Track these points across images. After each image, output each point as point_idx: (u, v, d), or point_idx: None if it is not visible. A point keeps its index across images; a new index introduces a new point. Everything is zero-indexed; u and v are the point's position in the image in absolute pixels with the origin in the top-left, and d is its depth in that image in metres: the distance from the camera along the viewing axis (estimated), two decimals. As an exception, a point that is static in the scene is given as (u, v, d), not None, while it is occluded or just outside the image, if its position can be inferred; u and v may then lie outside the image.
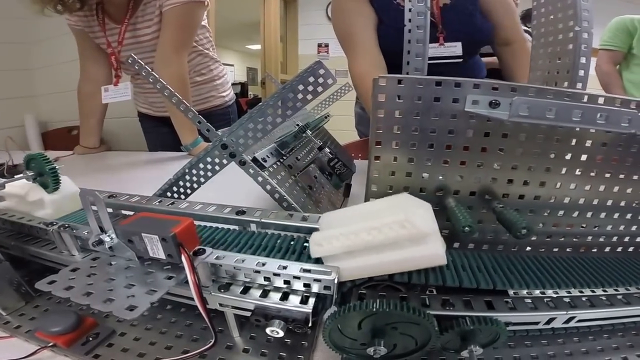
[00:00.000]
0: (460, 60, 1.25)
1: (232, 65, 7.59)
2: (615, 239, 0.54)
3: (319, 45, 4.68)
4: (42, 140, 2.44)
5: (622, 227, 0.54)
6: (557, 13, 0.55)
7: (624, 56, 2.26)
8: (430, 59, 1.16)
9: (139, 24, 1.39)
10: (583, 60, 0.49)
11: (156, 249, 0.39)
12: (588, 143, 0.46)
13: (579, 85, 0.50)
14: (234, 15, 5.53)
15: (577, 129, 0.44)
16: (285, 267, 0.39)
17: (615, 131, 0.34)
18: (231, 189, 0.85)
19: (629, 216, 0.52)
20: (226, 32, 6.14)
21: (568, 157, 0.46)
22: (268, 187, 0.60)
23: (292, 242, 0.49)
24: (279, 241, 0.49)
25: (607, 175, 0.49)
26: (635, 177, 0.49)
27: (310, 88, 0.54)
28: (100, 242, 0.41)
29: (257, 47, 5.68)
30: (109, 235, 0.41)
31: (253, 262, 0.39)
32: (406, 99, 0.43)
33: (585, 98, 0.41)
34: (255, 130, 0.58)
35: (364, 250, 0.38)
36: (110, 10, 1.40)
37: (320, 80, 0.54)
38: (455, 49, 1.23)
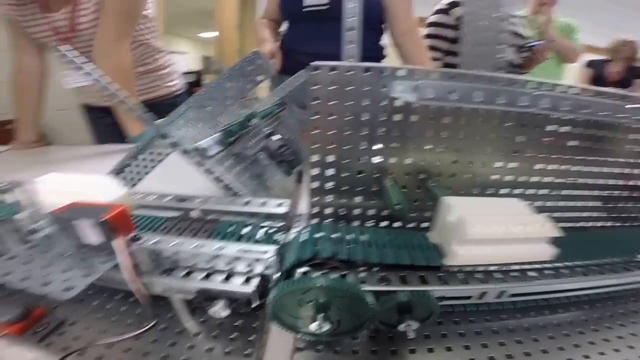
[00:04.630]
0: (325, 7, 1.41)
1: (185, 53, 7.42)
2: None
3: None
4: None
5: (549, 204, 0.57)
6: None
7: None
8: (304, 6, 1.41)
9: (76, 11, 1.34)
10: (501, 46, 0.52)
11: (90, 235, 0.39)
12: (509, 124, 0.49)
13: (498, 70, 0.53)
14: (187, 2, 5.41)
15: (496, 111, 0.47)
16: (223, 249, 0.40)
17: (516, 110, 0.37)
18: (182, 180, 0.84)
19: (554, 193, 0.56)
20: (179, 19, 6.00)
21: (492, 137, 0.50)
22: (213, 175, 0.61)
23: (245, 228, 0.50)
24: (230, 228, 0.50)
25: (529, 154, 0.52)
26: (555, 156, 0.53)
27: (249, 77, 0.55)
28: (34, 231, 0.41)
29: (212, 34, 5.57)
30: (43, 224, 0.41)
31: (190, 245, 0.41)
32: (338, 86, 0.45)
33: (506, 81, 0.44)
34: (196, 119, 0.59)
35: (493, 241, 0.41)
36: None
37: (259, 69, 0.55)
38: None
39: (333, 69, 0.45)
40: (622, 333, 0.48)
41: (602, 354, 0.45)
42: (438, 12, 1.82)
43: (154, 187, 0.63)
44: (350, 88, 0.45)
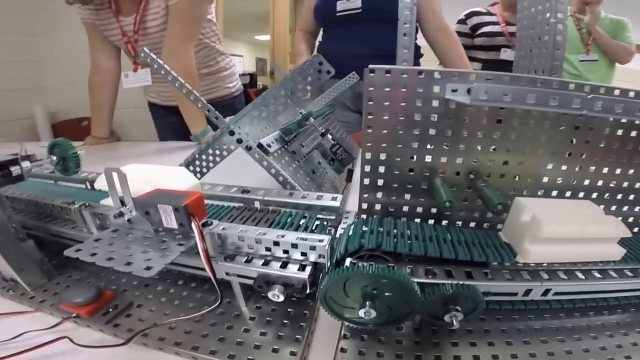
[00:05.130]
0: (358, 10, 1.49)
1: (241, 56, 7.56)
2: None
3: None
4: (53, 131, 2.48)
5: (601, 207, 0.56)
6: (537, 5, 0.58)
7: None
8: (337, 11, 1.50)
9: (146, 16, 1.43)
10: (558, 50, 0.52)
11: (169, 219, 0.43)
12: (562, 126, 0.49)
13: (555, 73, 0.53)
14: (243, 6, 5.53)
15: (549, 113, 0.47)
16: (283, 236, 0.43)
17: (568, 112, 0.38)
18: (241, 173, 0.85)
19: (606, 196, 0.55)
20: (235, 23, 6.12)
21: (543, 139, 0.50)
22: (272, 170, 0.64)
23: (302, 220, 0.54)
24: (289, 219, 0.54)
25: (583, 156, 0.52)
26: (610, 159, 0.53)
27: (309, 79, 0.58)
28: (121, 214, 0.46)
29: (266, 37, 5.67)
30: (128, 208, 0.46)
31: (255, 232, 0.44)
32: (393, 88, 0.47)
33: (556, 84, 0.45)
34: (260, 117, 0.63)
35: (566, 240, 0.44)
36: (119, 2, 1.45)
37: (319, 72, 0.58)
38: (357, 2, 1.49)
39: (388, 72, 0.47)
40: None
41: (643, 354, 0.45)
42: (458, 22, 2.04)
43: (213, 179, 0.67)
44: (403, 90, 0.47)
